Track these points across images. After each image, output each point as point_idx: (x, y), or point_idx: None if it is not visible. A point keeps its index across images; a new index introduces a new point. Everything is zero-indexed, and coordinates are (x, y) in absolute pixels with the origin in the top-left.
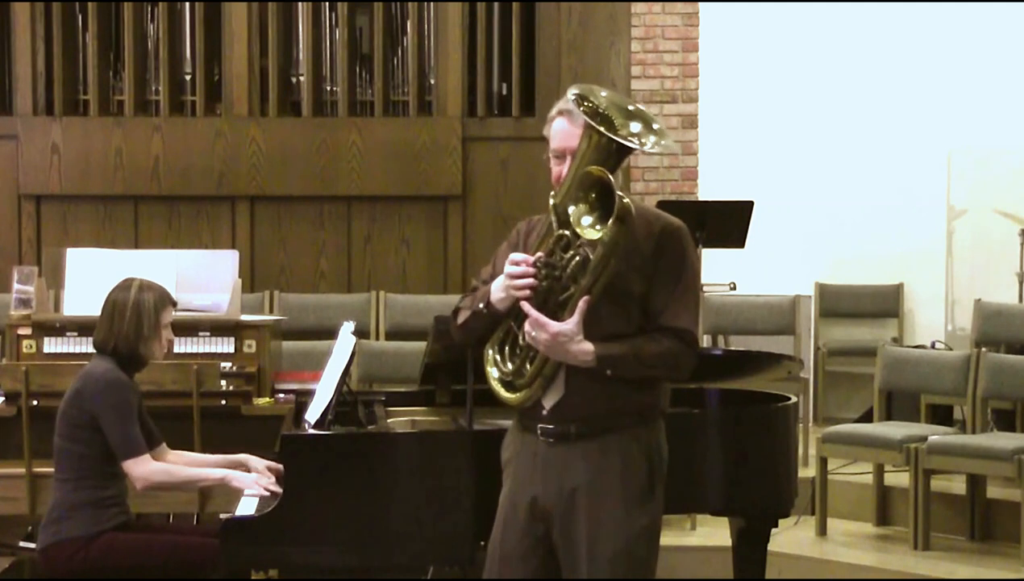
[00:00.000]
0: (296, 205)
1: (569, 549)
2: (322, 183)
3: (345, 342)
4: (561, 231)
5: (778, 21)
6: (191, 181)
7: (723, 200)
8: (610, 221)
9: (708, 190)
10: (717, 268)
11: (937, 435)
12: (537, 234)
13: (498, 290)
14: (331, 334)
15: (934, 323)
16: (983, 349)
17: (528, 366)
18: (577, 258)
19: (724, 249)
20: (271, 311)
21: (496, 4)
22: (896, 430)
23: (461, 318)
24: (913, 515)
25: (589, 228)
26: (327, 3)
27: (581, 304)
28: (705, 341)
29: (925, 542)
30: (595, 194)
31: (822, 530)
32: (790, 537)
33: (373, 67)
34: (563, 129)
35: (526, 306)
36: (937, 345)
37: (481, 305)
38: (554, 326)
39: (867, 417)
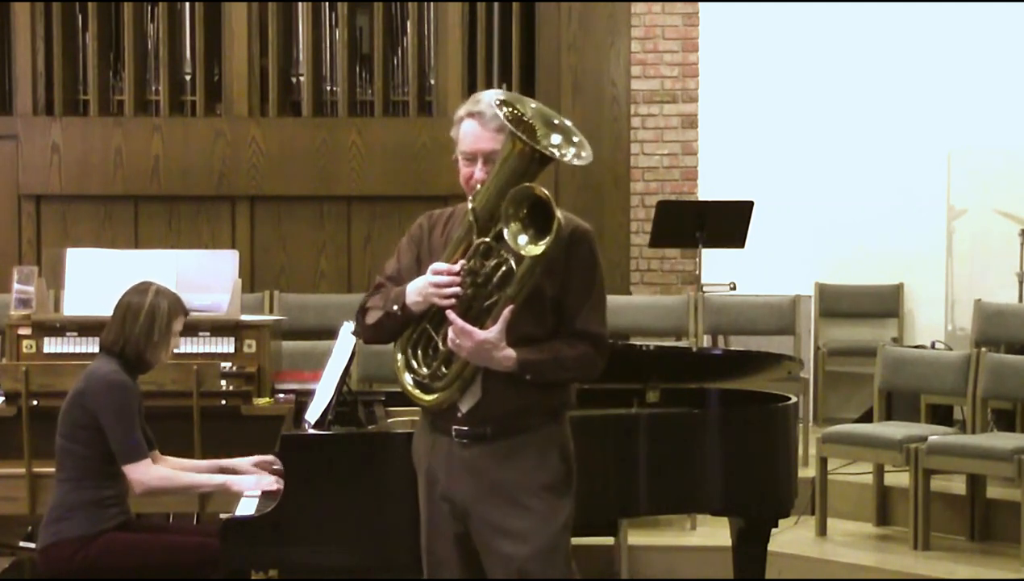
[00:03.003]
0: (296, 205)
1: (488, 548)
2: (322, 183)
3: (345, 342)
4: (482, 239)
5: (778, 21)
6: (191, 181)
7: (723, 200)
8: (549, 239)
9: (708, 190)
10: (717, 268)
11: (937, 435)
12: (443, 231)
13: (415, 294)
14: (331, 334)
15: (934, 323)
16: (983, 349)
17: (444, 369)
18: (503, 268)
19: (724, 249)
20: (271, 311)
21: (496, 4)
22: (896, 430)
23: (371, 318)
24: (913, 515)
25: (529, 245)
26: (327, 3)
27: (505, 312)
28: (705, 341)
29: (925, 542)
30: (526, 209)
31: (822, 530)
32: (790, 537)
33: (373, 67)
34: (473, 131)
35: (452, 315)
36: (937, 345)
37: (395, 307)
38: (479, 334)
39: (867, 417)
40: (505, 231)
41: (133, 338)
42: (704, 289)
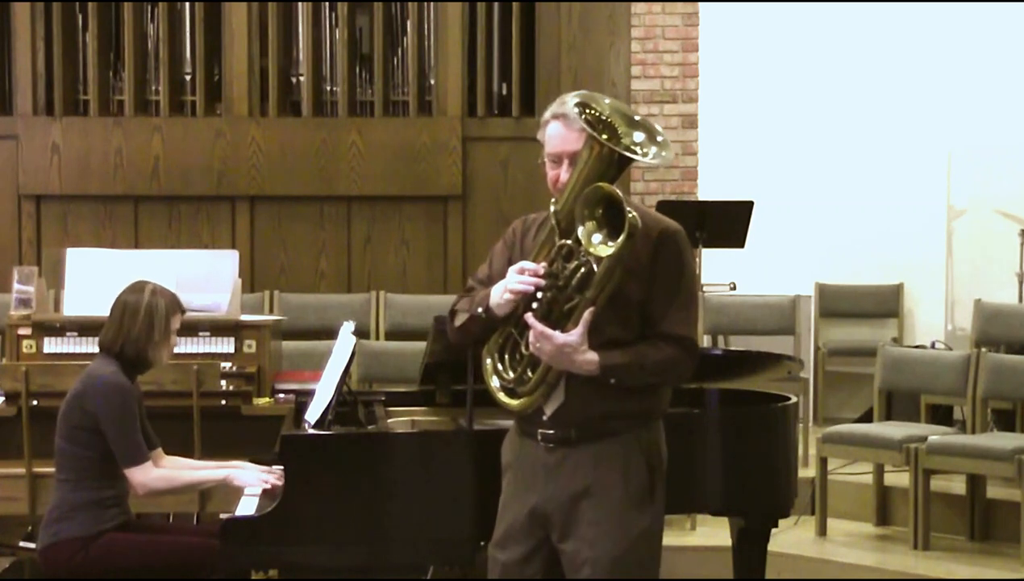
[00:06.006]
0: (296, 205)
1: (571, 553)
2: (322, 183)
3: (345, 342)
4: (563, 241)
5: (778, 21)
6: (191, 181)
7: (723, 200)
8: (621, 238)
9: (708, 190)
10: (717, 268)
11: (937, 435)
12: (534, 236)
13: (498, 296)
14: (331, 334)
15: (934, 323)
16: (983, 349)
17: (530, 373)
18: (582, 270)
19: (724, 249)
20: (271, 311)
21: (496, 4)
22: (896, 430)
23: (459, 321)
24: (913, 515)
25: (600, 245)
26: (327, 3)
27: (586, 315)
28: (705, 341)
29: (925, 542)
30: (602, 209)
31: (822, 530)
32: (790, 537)
33: (373, 67)
34: (559, 133)
35: (530, 318)
36: (937, 345)
37: (480, 310)
38: (559, 338)
39: (867, 417)
40: (579, 230)
41: (133, 338)
42: (704, 289)
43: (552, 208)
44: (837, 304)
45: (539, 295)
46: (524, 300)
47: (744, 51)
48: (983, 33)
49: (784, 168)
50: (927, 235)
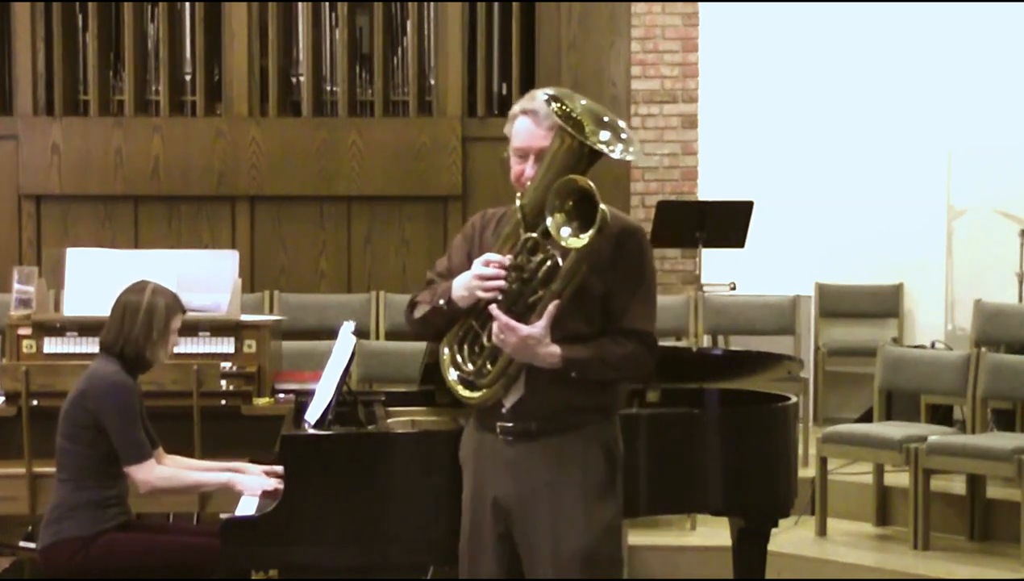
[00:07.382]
0: (296, 205)
1: (531, 547)
2: (322, 183)
3: (345, 342)
4: (529, 234)
5: (778, 21)
6: (191, 181)
7: (723, 200)
8: (592, 231)
9: (708, 190)
10: (717, 268)
11: (937, 435)
12: (495, 230)
13: (461, 288)
14: (331, 334)
15: (934, 323)
16: (983, 349)
17: (489, 366)
18: (548, 263)
19: (724, 249)
20: (271, 311)
21: (496, 4)
22: (896, 430)
23: (419, 312)
24: (913, 515)
25: (571, 237)
26: (327, 3)
27: (551, 308)
28: (705, 341)
29: (925, 542)
30: (572, 202)
31: (822, 530)
32: (790, 537)
33: (373, 67)
34: (527, 129)
35: (495, 310)
36: (937, 345)
37: (441, 301)
38: (523, 330)
39: (867, 417)
40: (548, 221)
41: (132, 337)
42: (704, 289)
43: (518, 201)
44: (837, 304)
45: (503, 286)
46: None
47: (744, 51)
48: (983, 33)
49: (784, 168)
50: (927, 235)
